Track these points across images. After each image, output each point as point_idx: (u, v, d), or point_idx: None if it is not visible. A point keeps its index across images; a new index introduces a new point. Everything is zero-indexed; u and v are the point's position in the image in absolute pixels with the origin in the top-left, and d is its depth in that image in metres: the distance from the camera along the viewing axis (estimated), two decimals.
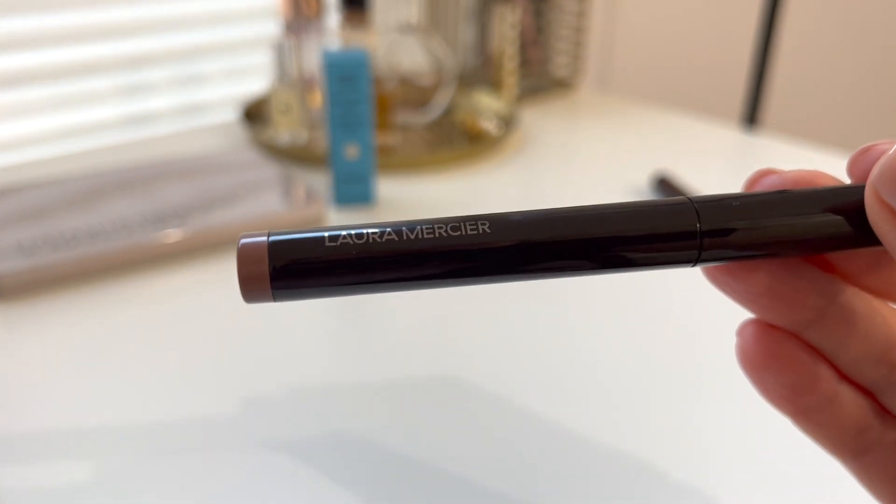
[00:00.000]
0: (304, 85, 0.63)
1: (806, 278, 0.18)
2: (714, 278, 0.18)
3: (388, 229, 0.16)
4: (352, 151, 0.50)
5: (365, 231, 0.16)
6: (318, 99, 0.65)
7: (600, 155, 0.63)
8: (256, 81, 0.77)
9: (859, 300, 0.18)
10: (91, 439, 0.30)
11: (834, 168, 0.18)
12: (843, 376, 0.19)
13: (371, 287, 0.16)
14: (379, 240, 0.16)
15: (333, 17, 0.70)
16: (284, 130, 0.61)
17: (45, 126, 0.67)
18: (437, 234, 0.16)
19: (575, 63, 0.80)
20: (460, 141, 0.67)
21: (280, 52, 0.58)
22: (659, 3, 1.10)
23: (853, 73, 1.50)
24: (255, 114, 0.67)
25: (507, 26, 0.72)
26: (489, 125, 0.68)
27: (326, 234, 0.16)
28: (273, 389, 0.33)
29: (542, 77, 0.78)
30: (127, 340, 0.37)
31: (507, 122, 0.66)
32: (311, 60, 0.63)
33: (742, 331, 0.19)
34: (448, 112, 0.70)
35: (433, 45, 0.67)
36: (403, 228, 0.16)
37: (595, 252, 0.16)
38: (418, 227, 0.16)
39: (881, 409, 0.19)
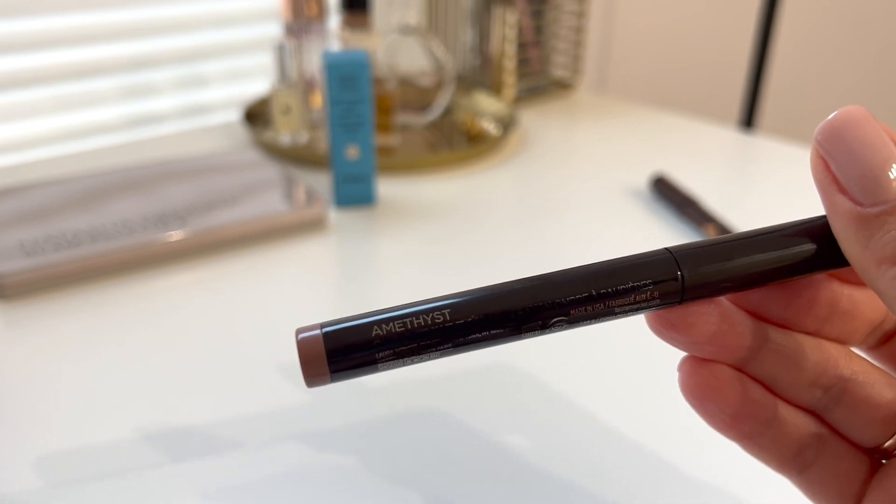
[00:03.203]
0: (305, 86, 0.63)
1: (742, 324, 0.20)
2: (658, 332, 0.20)
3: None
4: (352, 152, 0.50)
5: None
6: (318, 100, 0.65)
7: (599, 155, 0.64)
8: (258, 83, 0.77)
9: (788, 338, 0.20)
10: (93, 438, 0.30)
11: None
12: (787, 400, 0.21)
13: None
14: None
15: (334, 18, 0.70)
16: (285, 131, 0.61)
17: (48, 127, 0.67)
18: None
19: (574, 64, 0.80)
20: (460, 142, 0.67)
21: (281, 53, 0.58)
22: (657, 4, 1.10)
23: (849, 75, 1.51)
24: (256, 115, 0.67)
25: (506, 27, 0.73)
26: (489, 126, 0.68)
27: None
28: (277, 388, 0.33)
29: (541, 78, 0.79)
30: (128, 340, 0.37)
31: (507, 123, 0.66)
32: (312, 62, 0.64)
33: (682, 366, 0.20)
34: (448, 113, 0.71)
35: (433, 47, 0.67)
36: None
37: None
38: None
39: (826, 426, 0.21)
